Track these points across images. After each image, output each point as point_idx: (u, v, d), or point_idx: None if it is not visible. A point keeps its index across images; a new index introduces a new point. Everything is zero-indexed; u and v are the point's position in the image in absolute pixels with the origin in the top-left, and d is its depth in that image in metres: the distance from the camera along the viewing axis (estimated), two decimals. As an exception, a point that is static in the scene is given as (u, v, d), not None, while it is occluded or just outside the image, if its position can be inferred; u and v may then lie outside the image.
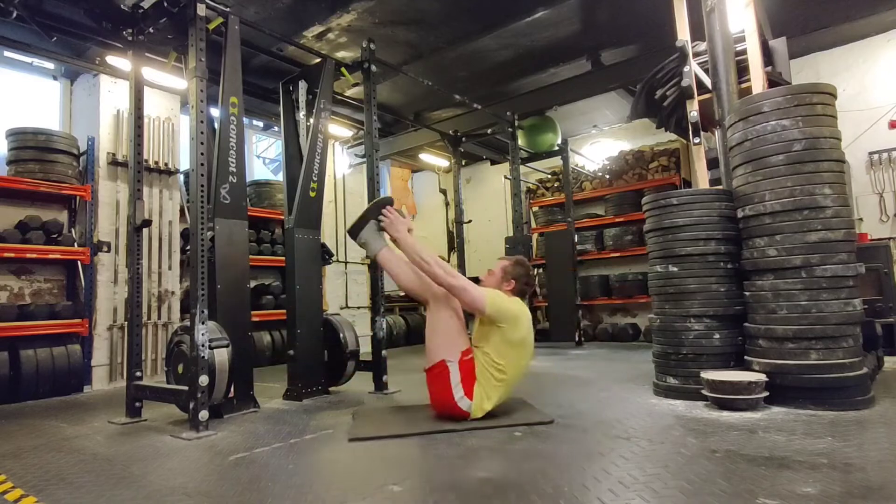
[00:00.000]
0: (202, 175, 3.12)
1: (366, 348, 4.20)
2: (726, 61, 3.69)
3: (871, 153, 5.94)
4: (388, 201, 3.16)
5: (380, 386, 3.99)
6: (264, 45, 4.61)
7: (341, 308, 7.80)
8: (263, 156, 10.00)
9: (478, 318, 2.93)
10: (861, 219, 5.90)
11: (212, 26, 3.38)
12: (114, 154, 5.23)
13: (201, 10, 3.19)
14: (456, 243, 7.33)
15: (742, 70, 3.90)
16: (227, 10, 3.51)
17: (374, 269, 4.24)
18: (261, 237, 6.48)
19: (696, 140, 3.91)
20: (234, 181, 3.47)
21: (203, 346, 2.94)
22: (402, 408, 3.33)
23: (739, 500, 1.64)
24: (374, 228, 3.12)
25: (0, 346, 4.27)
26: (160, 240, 5.45)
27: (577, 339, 6.88)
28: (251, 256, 4.04)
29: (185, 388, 2.97)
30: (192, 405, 2.88)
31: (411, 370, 5.01)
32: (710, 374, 2.97)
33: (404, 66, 5.72)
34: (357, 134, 7.58)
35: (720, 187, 3.70)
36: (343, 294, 7.95)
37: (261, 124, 8.00)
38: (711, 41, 3.74)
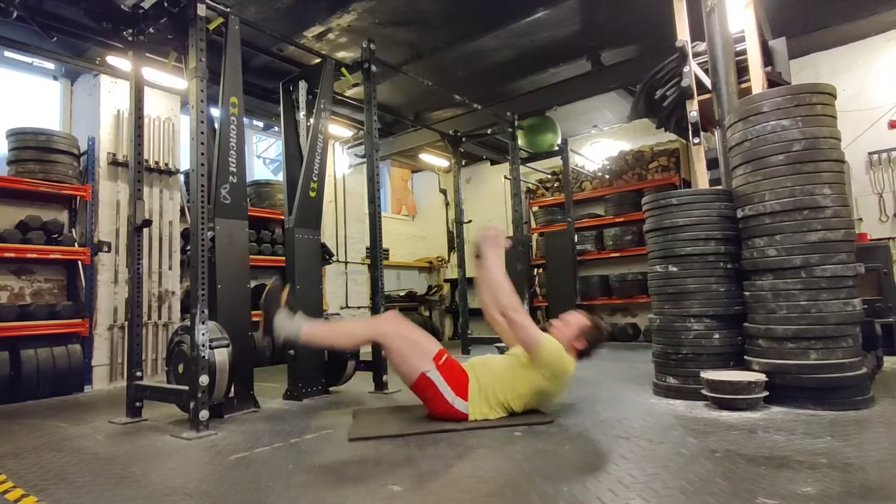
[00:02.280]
0: (202, 175, 3.12)
1: (366, 348, 4.20)
2: (726, 61, 3.69)
3: (870, 153, 5.94)
4: (275, 287, 2.93)
5: (380, 386, 3.99)
6: (264, 45, 4.61)
7: (341, 308, 7.80)
8: (263, 156, 10.00)
9: (519, 356, 2.85)
10: (861, 219, 5.90)
11: (212, 26, 3.38)
12: (114, 154, 5.23)
13: (201, 10, 3.19)
14: (456, 243, 7.33)
15: (742, 70, 3.90)
16: (228, 10, 3.51)
17: (375, 269, 4.24)
18: (261, 237, 6.48)
19: (696, 140, 3.91)
20: (235, 181, 3.47)
21: (203, 345, 2.94)
22: (402, 407, 3.34)
23: (739, 500, 1.64)
24: (285, 316, 2.86)
25: (0, 346, 4.27)
26: (160, 240, 5.46)
27: (577, 339, 6.87)
28: (251, 256, 4.04)
29: (186, 387, 2.97)
30: (192, 405, 2.88)
31: (411, 370, 5.01)
32: (709, 374, 2.98)
33: (404, 66, 5.72)
34: (357, 134, 7.58)
35: (720, 187, 3.70)
36: (343, 294, 7.95)
37: (261, 124, 8.01)
38: (711, 41, 3.74)
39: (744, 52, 3.95)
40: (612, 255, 7.54)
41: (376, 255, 4.25)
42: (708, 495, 1.68)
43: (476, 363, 2.92)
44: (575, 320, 2.96)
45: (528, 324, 2.77)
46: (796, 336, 2.87)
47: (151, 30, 3.50)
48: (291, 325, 2.85)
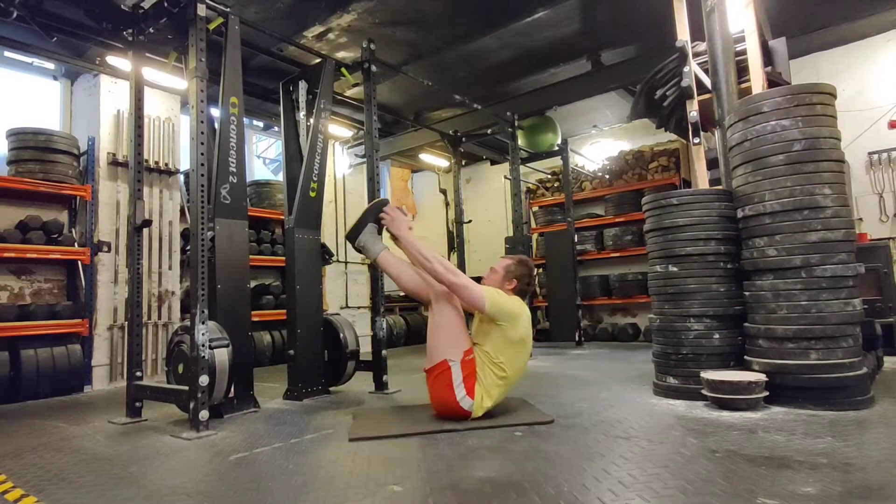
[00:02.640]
0: (202, 175, 3.12)
1: (366, 348, 4.20)
2: (726, 61, 3.69)
3: (870, 153, 5.94)
4: (385, 202, 3.16)
5: (380, 386, 3.99)
6: (264, 45, 4.60)
7: (341, 308, 7.80)
8: (263, 156, 10.00)
9: (477, 317, 2.94)
10: (861, 219, 5.90)
11: (212, 26, 3.38)
12: (114, 154, 5.23)
13: (201, 10, 3.19)
14: (456, 243, 7.32)
15: (742, 70, 3.90)
16: (228, 10, 3.51)
17: (374, 269, 4.24)
18: (261, 237, 6.49)
19: (696, 140, 3.91)
20: (235, 181, 3.47)
21: (203, 346, 2.94)
22: (402, 408, 3.34)
23: (739, 500, 1.64)
24: (373, 231, 3.11)
25: (0, 346, 4.27)
26: (160, 240, 5.46)
27: (577, 338, 6.89)
28: (251, 256, 4.04)
29: (186, 387, 2.97)
30: (192, 405, 2.88)
31: (411, 370, 5.01)
32: (709, 374, 2.97)
33: (404, 66, 5.72)
34: (357, 134, 7.58)
35: (720, 187, 3.70)
36: (343, 294, 7.95)
37: (261, 124, 8.00)
38: (711, 41, 3.74)
39: (744, 52, 3.95)
40: (612, 255, 7.54)
41: (376, 255, 4.24)
42: (708, 495, 1.68)
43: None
44: (499, 265, 3.06)
45: (468, 282, 2.79)
46: (796, 336, 2.87)
47: (151, 30, 3.50)
48: (374, 243, 3.09)
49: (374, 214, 3.13)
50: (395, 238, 3.04)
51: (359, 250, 3.16)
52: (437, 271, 2.79)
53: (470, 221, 7.67)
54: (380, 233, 3.14)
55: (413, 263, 2.99)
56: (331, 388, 4.05)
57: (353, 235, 3.11)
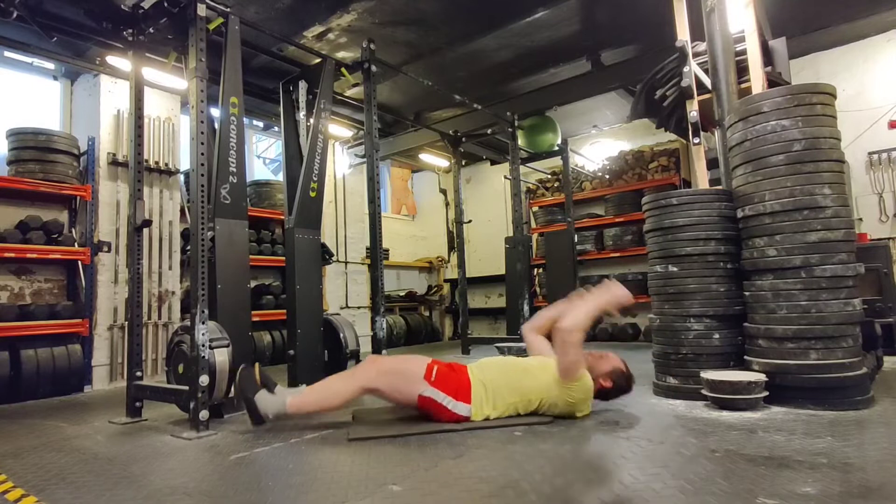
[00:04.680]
0: (202, 175, 3.12)
1: (366, 348, 4.20)
2: (726, 61, 3.69)
3: (870, 153, 5.94)
4: (246, 371, 2.84)
5: (380, 386, 3.98)
6: (264, 45, 4.61)
7: (341, 308, 7.80)
8: (263, 156, 10.01)
9: (548, 371, 2.79)
10: (861, 219, 5.90)
11: (212, 26, 3.38)
12: (114, 154, 5.23)
13: (201, 10, 3.19)
14: (456, 243, 7.33)
15: (742, 70, 3.90)
16: (228, 10, 3.51)
17: (374, 269, 4.24)
18: (261, 237, 6.49)
19: (696, 140, 3.91)
20: (235, 181, 3.47)
21: (203, 345, 2.94)
22: (402, 407, 3.33)
23: (739, 500, 1.64)
24: (265, 397, 2.73)
25: (0, 346, 4.27)
26: (160, 240, 5.46)
27: (576, 338, 6.87)
28: (251, 256, 4.03)
29: (186, 387, 2.97)
30: (192, 405, 2.88)
31: (411, 370, 5.00)
32: (709, 374, 2.97)
33: (404, 66, 5.72)
34: (357, 134, 7.58)
35: (720, 187, 3.70)
36: (343, 294, 7.95)
37: (261, 124, 8.01)
38: (711, 41, 3.74)
39: (744, 52, 3.95)
40: (612, 255, 7.54)
41: (376, 255, 4.25)
42: (708, 495, 1.68)
43: (486, 365, 2.90)
44: (614, 361, 2.93)
45: (580, 360, 2.70)
46: (796, 336, 2.87)
47: (151, 30, 3.49)
48: (274, 401, 2.71)
49: (251, 385, 2.77)
50: (609, 314, 2.89)
51: (274, 419, 2.77)
52: (573, 328, 2.66)
53: (470, 221, 7.67)
54: (269, 390, 2.77)
55: (571, 324, 2.72)
56: (331, 388, 4.04)
57: (258, 420, 2.72)
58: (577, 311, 2.75)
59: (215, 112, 3.59)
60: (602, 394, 2.90)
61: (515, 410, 2.78)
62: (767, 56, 4.21)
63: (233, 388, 2.86)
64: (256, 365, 2.91)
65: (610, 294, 2.85)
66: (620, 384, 2.91)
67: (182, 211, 5.67)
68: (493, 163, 8.78)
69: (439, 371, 2.77)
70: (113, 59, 4.95)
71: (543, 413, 2.79)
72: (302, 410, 2.77)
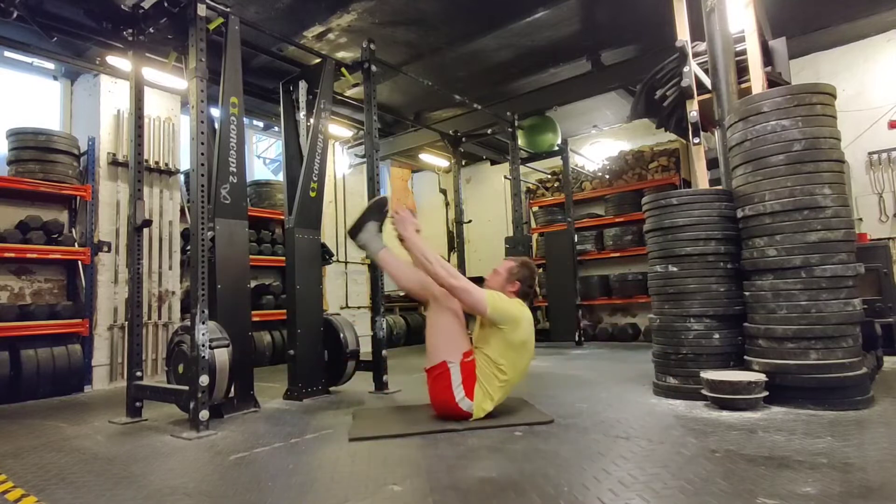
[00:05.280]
0: (202, 175, 3.12)
1: (366, 348, 4.20)
2: (726, 61, 3.69)
3: (870, 153, 5.94)
4: (385, 200, 3.20)
5: (380, 386, 3.99)
6: (264, 45, 4.61)
7: (341, 308, 7.80)
8: (263, 156, 10.01)
9: (479, 320, 2.93)
10: (861, 219, 5.90)
11: (212, 26, 3.38)
12: (114, 154, 5.23)
13: (201, 10, 3.19)
14: (456, 243, 7.32)
15: (742, 70, 3.90)
16: (228, 10, 3.51)
17: (374, 269, 4.24)
18: (261, 237, 6.49)
19: (696, 140, 3.91)
20: (235, 181, 3.47)
21: (203, 345, 2.94)
22: (402, 407, 3.34)
23: (739, 500, 1.64)
24: (374, 229, 3.13)
25: (1, 346, 4.27)
26: (160, 240, 5.46)
27: (577, 338, 6.89)
28: (251, 256, 4.04)
29: (186, 387, 2.97)
30: (192, 405, 2.88)
31: (411, 370, 5.01)
32: (709, 374, 2.97)
33: (404, 66, 5.72)
34: (357, 134, 7.58)
35: (720, 187, 3.70)
36: (343, 294, 7.95)
37: (261, 124, 8.01)
38: (711, 41, 3.74)
39: (744, 52, 3.95)
40: (612, 255, 7.54)
41: (376, 255, 4.24)
42: (708, 495, 1.68)
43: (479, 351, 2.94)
44: (502, 267, 3.06)
45: (469, 286, 2.78)
46: (796, 336, 2.87)
47: (151, 30, 3.50)
48: (375, 239, 3.12)
49: (376, 212, 3.15)
50: (401, 238, 3.03)
51: (361, 247, 3.18)
52: (438, 274, 2.78)
53: (470, 221, 7.67)
54: (380, 231, 3.16)
55: (415, 265, 2.98)
56: (331, 388, 4.05)
57: (354, 232, 3.14)
58: (428, 255, 2.84)
59: (215, 112, 3.59)
60: (521, 294, 2.99)
61: (502, 388, 2.81)
62: (767, 56, 4.21)
63: (361, 215, 3.16)
64: (401, 205, 3.12)
65: (405, 221, 3.01)
66: (523, 275, 3.00)
67: (182, 211, 5.67)
68: (493, 163, 8.78)
69: (472, 362, 2.79)
70: (113, 59, 4.95)
71: (517, 361, 2.82)
72: (382, 265, 3.22)
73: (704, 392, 2.96)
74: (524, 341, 2.85)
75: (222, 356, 3.06)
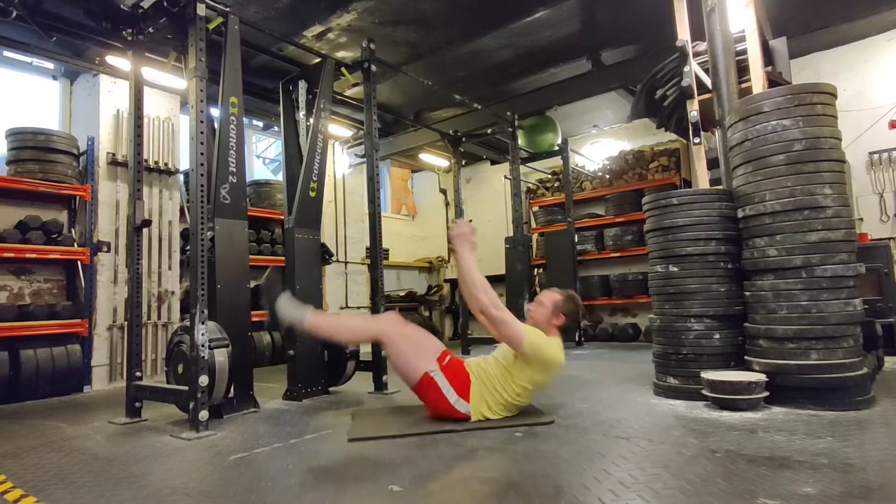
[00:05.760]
0: (202, 175, 3.12)
1: (366, 348, 4.20)
2: (726, 61, 3.69)
3: (871, 153, 5.94)
4: (271, 275, 2.91)
5: (379, 386, 3.98)
6: (264, 44, 4.60)
7: (341, 308, 7.80)
8: (263, 156, 10.00)
9: (510, 353, 2.85)
10: (861, 219, 5.90)
11: (212, 26, 3.37)
12: (114, 154, 5.22)
13: (201, 9, 3.19)
14: (456, 243, 7.31)
15: (742, 70, 3.90)
16: (227, 9, 3.51)
17: (374, 269, 4.24)
18: (261, 237, 6.48)
19: (696, 140, 3.90)
20: (234, 181, 3.47)
21: (203, 346, 2.93)
22: (401, 408, 3.33)
23: (739, 500, 1.64)
24: (287, 302, 2.85)
25: (0, 346, 4.27)
26: (160, 240, 5.45)
27: (577, 338, 6.88)
28: (251, 256, 4.03)
29: (185, 388, 2.97)
30: (192, 405, 2.88)
31: (411, 370, 5.00)
32: (710, 374, 2.97)
33: (404, 66, 5.71)
34: (357, 134, 7.58)
35: (720, 187, 3.70)
36: (343, 294, 7.94)
37: (261, 124, 8.00)
38: (711, 41, 3.74)
39: (744, 52, 3.95)
40: (613, 255, 7.54)
41: (376, 255, 4.24)
42: (708, 496, 1.68)
43: (474, 364, 2.90)
44: (547, 298, 2.96)
45: (508, 318, 2.74)
46: (797, 336, 2.86)
47: (151, 30, 3.49)
48: (296, 310, 2.82)
49: (276, 289, 2.90)
50: (454, 251, 2.91)
51: (289, 327, 2.91)
52: (480, 300, 2.74)
53: (470, 221, 7.65)
54: (291, 297, 2.91)
55: (459, 281, 2.90)
56: (330, 389, 4.05)
57: (275, 323, 2.85)
58: (476, 280, 2.76)
59: (215, 112, 3.59)
60: (564, 329, 2.93)
61: (510, 404, 2.78)
62: (768, 56, 4.21)
63: (263, 299, 2.89)
64: (461, 219, 2.95)
65: (465, 237, 2.87)
66: (569, 310, 2.93)
67: (182, 211, 5.67)
68: (493, 163, 8.78)
69: (451, 360, 2.78)
70: (112, 59, 4.95)
71: (522, 397, 2.78)
72: (317, 329, 2.85)
73: (705, 392, 2.96)
74: (547, 383, 2.85)
75: (222, 356, 3.05)
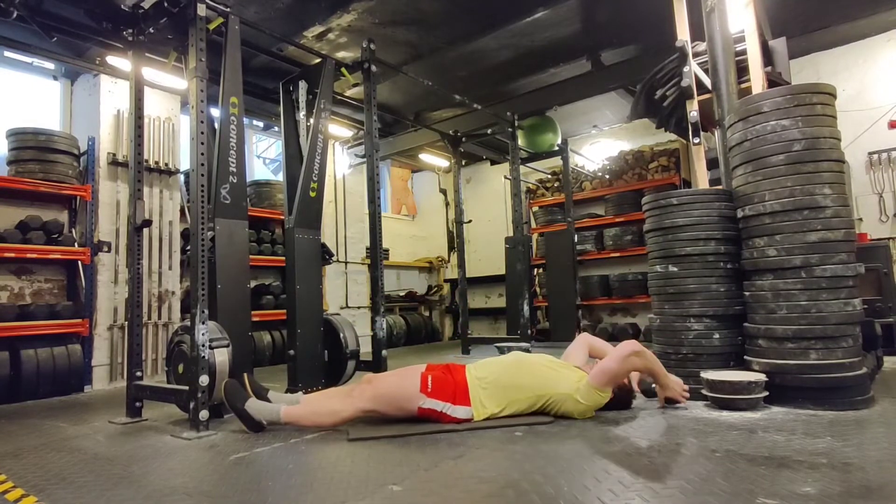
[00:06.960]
0: (202, 175, 3.12)
1: (366, 348, 4.21)
2: (726, 61, 3.69)
3: (870, 153, 5.94)
4: (233, 384, 2.86)
5: (380, 386, 3.98)
6: (264, 45, 4.61)
7: (341, 308, 7.80)
8: (263, 156, 10.00)
9: (567, 366, 2.88)
10: (861, 219, 5.90)
11: (212, 26, 3.38)
12: (114, 154, 5.23)
13: (201, 10, 3.19)
14: (456, 243, 7.33)
15: (742, 70, 3.90)
16: (228, 10, 3.51)
17: (374, 269, 4.24)
18: (261, 237, 6.49)
19: (696, 140, 3.91)
20: (235, 181, 3.47)
21: (203, 345, 2.94)
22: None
23: (739, 500, 1.64)
24: (253, 404, 2.80)
25: (0, 346, 4.27)
26: (160, 240, 5.46)
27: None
28: (251, 256, 4.04)
29: (186, 387, 2.97)
30: (192, 405, 2.88)
31: (411, 370, 5.00)
32: (709, 374, 2.97)
33: (404, 66, 5.72)
34: (357, 134, 7.58)
35: (720, 187, 3.70)
36: (343, 294, 7.95)
37: (261, 124, 8.01)
38: (711, 41, 3.74)
39: (744, 52, 3.95)
40: (612, 255, 7.54)
41: (376, 255, 4.25)
42: (708, 495, 1.68)
43: (487, 364, 2.89)
44: (625, 368, 2.80)
45: (624, 372, 2.78)
46: (796, 336, 2.87)
47: (151, 30, 3.50)
48: (269, 409, 2.80)
49: (240, 394, 2.82)
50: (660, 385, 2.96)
51: (262, 424, 2.81)
52: (637, 367, 2.83)
53: (470, 221, 7.67)
54: (258, 396, 2.89)
55: (641, 367, 2.85)
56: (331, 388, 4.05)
57: (256, 425, 2.78)
58: (654, 366, 2.86)
59: (215, 112, 3.59)
60: (611, 394, 2.87)
61: (520, 407, 2.77)
62: (767, 56, 4.21)
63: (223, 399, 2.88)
64: (245, 375, 2.98)
65: (672, 382, 2.96)
66: (621, 396, 2.93)
67: (182, 211, 5.67)
68: (493, 163, 8.78)
69: (435, 379, 2.76)
70: (113, 59, 4.95)
71: (547, 411, 2.78)
72: (296, 423, 2.81)
73: (704, 392, 2.96)
74: (564, 412, 2.81)
75: (222, 356, 3.06)
